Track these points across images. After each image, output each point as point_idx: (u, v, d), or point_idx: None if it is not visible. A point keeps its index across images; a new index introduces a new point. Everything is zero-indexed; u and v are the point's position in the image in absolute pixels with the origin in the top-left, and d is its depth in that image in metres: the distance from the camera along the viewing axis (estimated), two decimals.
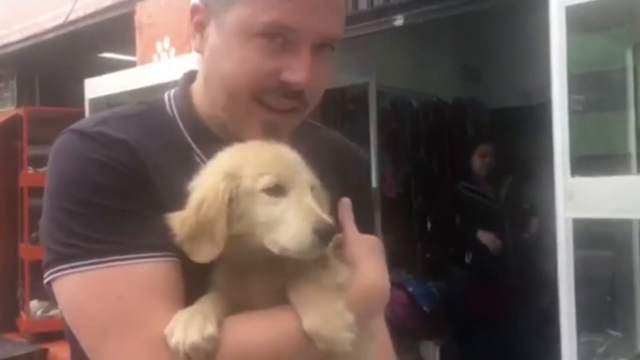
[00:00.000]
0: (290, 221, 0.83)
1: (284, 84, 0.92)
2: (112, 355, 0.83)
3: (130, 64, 4.88)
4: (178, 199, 0.87)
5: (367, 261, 0.92)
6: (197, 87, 1.04)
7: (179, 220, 0.84)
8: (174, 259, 0.87)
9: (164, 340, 0.81)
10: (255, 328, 0.84)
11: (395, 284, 3.96)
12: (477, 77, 5.69)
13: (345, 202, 0.98)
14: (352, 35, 3.34)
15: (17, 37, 5.71)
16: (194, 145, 0.98)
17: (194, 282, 0.88)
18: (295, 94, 0.94)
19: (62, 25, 5.16)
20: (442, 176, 5.10)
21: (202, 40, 0.98)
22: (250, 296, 0.87)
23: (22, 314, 5.40)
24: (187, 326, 0.80)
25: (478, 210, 4.32)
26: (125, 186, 0.87)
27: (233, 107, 0.96)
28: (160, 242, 0.86)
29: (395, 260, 4.15)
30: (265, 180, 0.85)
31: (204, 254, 0.84)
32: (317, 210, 0.84)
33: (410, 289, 4.18)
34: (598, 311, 3.02)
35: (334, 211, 0.94)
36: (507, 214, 4.29)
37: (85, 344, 0.87)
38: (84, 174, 0.87)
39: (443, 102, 5.24)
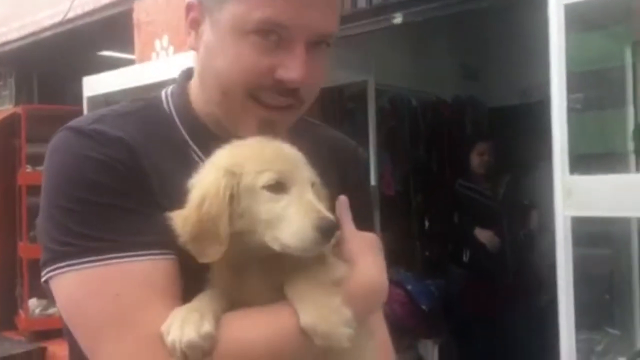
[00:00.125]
0: (292, 218, 0.82)
1: (279, 81, 0.92)
2: (109, 353, 0.83)
3: (128, 62, 4.87)
4: (175, 196, 0.86)
5: (365, 257, 0.92)
6: (193, 84, 1.03)
7: (180, 219, 0.84)
8: (172, 256, 0.87)
9: (161, 338, 0.80)
10: (253, 325, 0.83)
11: (394, 282, 3.96)
12: (476, 75, 5.70)
13: (343, 200, 0.98)
14: (351, 33, 3.34)
15: (15, 35, 5.70)
16: (191, 143, 0.98)
17: (191, 280, 0.87)
18: (290, 92, 0.94)
19: (61, 23, 5.16)
20: (441, 174, 5.10)
21: (197, 38, 0.98)
22: (248, 293, 0.87)
23: (21, 312, 5.39)
24: (184, 324, 0.79)
25: (476, 209, 4.32)
26: (122, 184, 0.87)
27: (228, 104, 0.96)
28: (157, 239, 0.85)
29: (394, 258, 4.12)
30: (267, 177, 0.84)
31: (209, 253, 0.83)
32: (319, 207, 0.84)
33: (408, 287, 4.18)
34: (597, 309, 3.02)
35: (332, 209, 0.94)
36: (505, 212, 4.29)
37: (82, 342, 0.87)
38: (81, 172, 0.87)
39: (442, 100, 5.24)
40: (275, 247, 0.83)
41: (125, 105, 1.01)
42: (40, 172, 0.92)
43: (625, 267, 3.26)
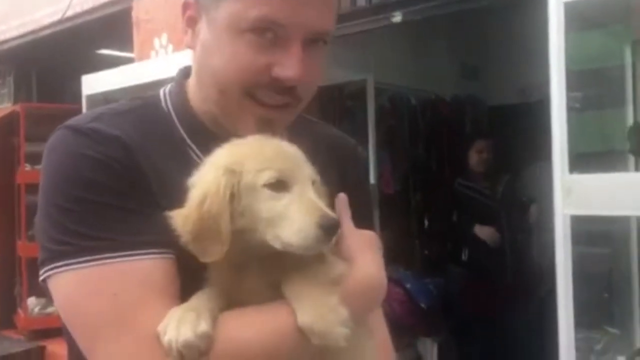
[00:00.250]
0: (293, 216, 0.82)
1: (276, 79, 0.92)
2: (106, 352, 0.83)
3: (127, 61, 4.87)
4: (174, 195, 0.86)
5: (364, 255, 0.92)
6: (191, 83, 1.03)
7: (181, 218, 0.83)
8: (169, 255, 0.86)
9: (158, 338, 0.80)
10: (249, 324, 0.83)
11: (393, 281, 3.96)
12: (476, 74, 5.69)
13: (342, 197, 0.98)
14: (350, 32, 3.34)
15: (14, 33, 5.69)
16: (189, 141, 0.97)
17: (189, 279, 0.87)
18: (287, 90, 0.94)
19: (60, 22, 5.15)
20: (440, 173, 5.10)
21: (194, 36, 0.98)
22: (246, 292, 0.86)
23: (20, 311, 5.39)
24: (180, 324, 0.79)
25: (475, 208, 4.32)
26: (119, 183, 0.87)
27: (225, 102, 0.95)
28: (154, 238, 0.85)
29: (393, 256, 4.15)
30: (267, 176, 0.84)
31: (211, 253, 0.83)
32: (321, 204, 0.83)
33: (408, 286, 4.18)
34: (596, 308, 3.03)
35: (332, 207, 0.94)
36: (504, 211, 4.29)
37: (80, 341, 0.87)
38: (78, 171, 0.87)
39: (441, 99, 5.24)
40: (277, 245, 0.82)
41: (123, 104, 1.01)
42: (39, 171, 0.91)
43: (624, 266, 3.26)
